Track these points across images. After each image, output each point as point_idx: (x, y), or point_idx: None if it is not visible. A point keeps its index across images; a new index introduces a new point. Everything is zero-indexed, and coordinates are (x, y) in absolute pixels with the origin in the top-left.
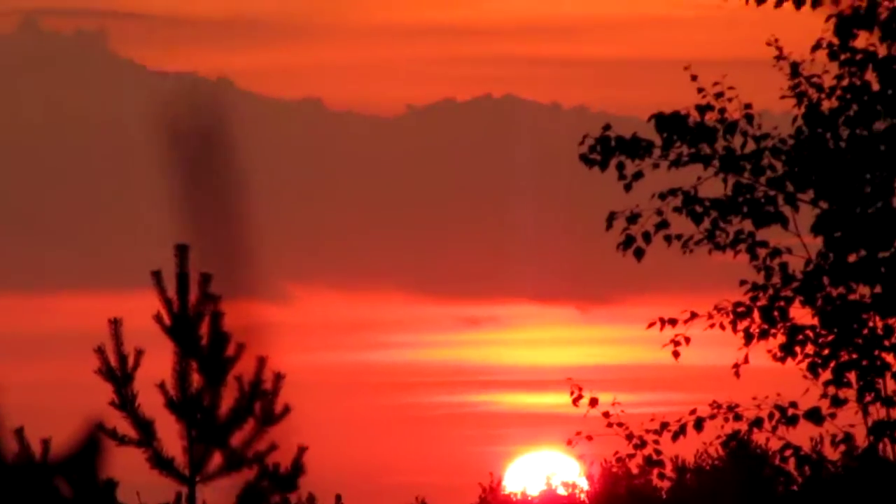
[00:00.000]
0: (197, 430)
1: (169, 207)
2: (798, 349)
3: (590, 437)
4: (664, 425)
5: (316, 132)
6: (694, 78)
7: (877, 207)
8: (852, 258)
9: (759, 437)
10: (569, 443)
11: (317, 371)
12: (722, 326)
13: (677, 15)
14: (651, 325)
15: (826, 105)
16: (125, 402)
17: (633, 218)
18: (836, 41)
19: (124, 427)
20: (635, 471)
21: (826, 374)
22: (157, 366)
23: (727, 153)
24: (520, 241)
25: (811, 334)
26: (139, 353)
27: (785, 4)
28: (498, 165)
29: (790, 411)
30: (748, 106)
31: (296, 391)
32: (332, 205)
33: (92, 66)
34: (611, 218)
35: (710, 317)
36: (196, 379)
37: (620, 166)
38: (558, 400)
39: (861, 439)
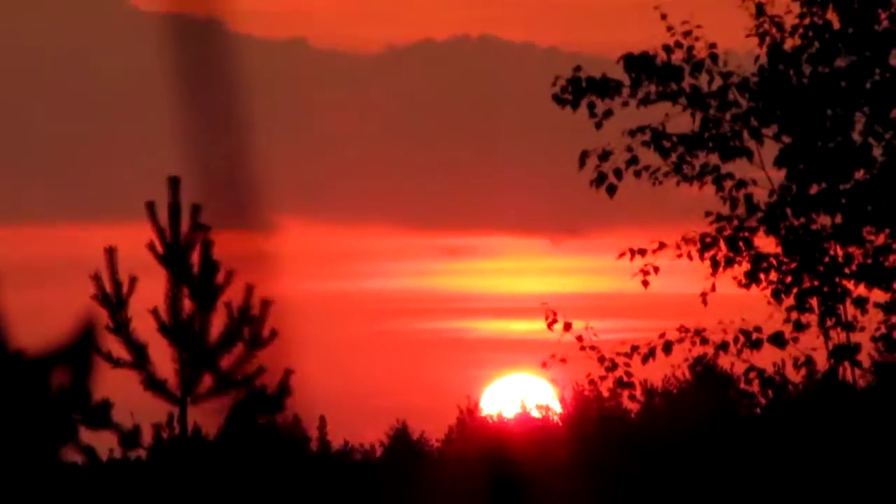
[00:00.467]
0: (188, 353)
1: (163, 141)
2: (762, 276)
3: (563, 360)
4: (634, 348)
5: (301, 70)
6: (664, 16)
7: (837, 141)
8: (814, 189)
9: (724, 361)
10: (543, 365)
11: (303, 299)
12: (689, 256)
13: None
14: (621, 255)
15: (789, 43)
16: (120, 326)
17: (604, 155)
18: None
19: (119, 350)
20: (606, 394)
21: (789, 300)
22: (151, 293)
23: (694, 90)
24: (497, 176)
25: (775, 262)
26: (133, 281)
27: None
28: (475, 104)
29: (754, 335)
30: (713, 45)
31: (283, 317)
32: (316, 141)
33: (86, 4)
34: (583, 156)
35: (678, 247)
36: (187, 305)
37: (591, 105)
38: (533, 326)
39: (822, 363)
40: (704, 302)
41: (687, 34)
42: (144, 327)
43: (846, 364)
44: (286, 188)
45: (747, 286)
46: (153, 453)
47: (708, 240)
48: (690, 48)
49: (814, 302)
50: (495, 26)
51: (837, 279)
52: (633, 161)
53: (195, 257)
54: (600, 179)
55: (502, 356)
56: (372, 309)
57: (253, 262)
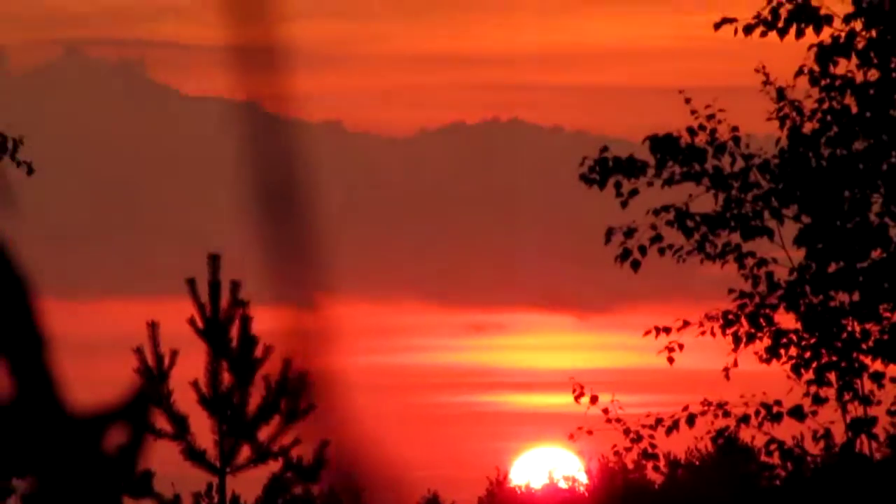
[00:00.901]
0: (227, 424)
1: (203, 221)
2: (782, 352)
3: (590, 432)
4: (659, 421)
5: (336, 151)
6: (688, 101)
7: (855, 221)
8: (832, 268)
9: (745, 434)
10: (570, 437)
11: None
12: (713, 333)
13: (672, 45)
14: (647, 332)
15: (808, 127)
16: (161, 398)
17: (629, 232)
18: (817, 68)
19: (160, 422)
20: (631, 465)
21: (808, 375)
22: (191, 366)
23: (716, 171)
24: (524, 254)
25: (794, 338)
26: (174, 354)
27: (770, 34)
28: (504, 184)
29: (775, 409)
30: (736, 128)
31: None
32: (351, 219)
33: (131, 91)
34: (609, 233)
35: (702, 324)
36: (227, 378)
37: (618, 185)
38: (560, 400)
39: (840, 435)
40: (727, 376)
41: (710, 117)
42: (185, 399)
43: (863, 437)
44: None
45: (768, 361)
46: None
47: (731, 316)
48: (713, 131)
49: (832, 376)
50: (524, 111)
51: (855, 354)
52: (658, 238)
53: (234, 332)
54: (625, 255)
55: (530, 429)
56: (404, 383)
57: (294, 338)
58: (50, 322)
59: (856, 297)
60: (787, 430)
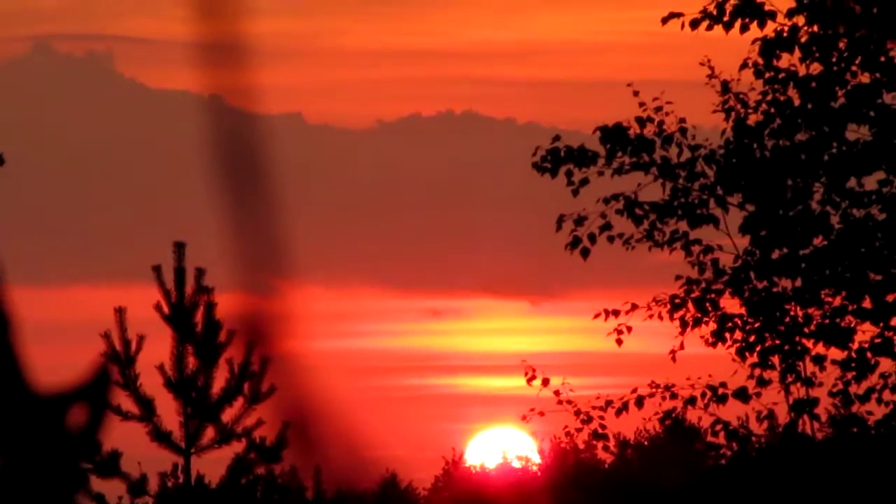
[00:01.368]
0: (192, 407)
1: (168, 209)
2: (728, 335)
3: (542, 413)
4: (608, 402)
5: (296, 143)
6: (636, 93)
7: (797, 210)
8: (776, 255)
9: (692, 415)
10: (523, 418)
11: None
12: (660, 317)
13: (620, 40)
14: (596, 316)
15: (752, 119)
16: (128, 382)
17: (579, 220)
18: (760, 61)
19: (128, 404)
20: (582, 445)
21: (752, 358)
22: (157, 350)
23: (664, 162)
24: (479, 241)
25: (739, 322)
26: (141, 339)
27: (715, 29)
28: (459, 174)
29: (720, 390)
30: (683, 120)
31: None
32: (309, 209)
33: (99, 84)
34: (560, 220)
35: (650, 308)
36: (192, 362)
37: (569, 174)
38: (513, 383)
39: (783, 416)
40: (674, 359)
41: (658, 109)
42: (151, 383)
43: (805, 417)
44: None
45: (714, 345)
46: (159, 501)
47: (677, 301)
48: (661, 122)
49: (775, 359)
50: (478, 103)
51: (797, 338)
52: (607, 227)
53: (199, 317)
54: (575, 243)
55: (485, 410)
56: (362, 366)
57: (271, 322)
58: (20, 308)
59: (798, 282)
60: (732, 412)
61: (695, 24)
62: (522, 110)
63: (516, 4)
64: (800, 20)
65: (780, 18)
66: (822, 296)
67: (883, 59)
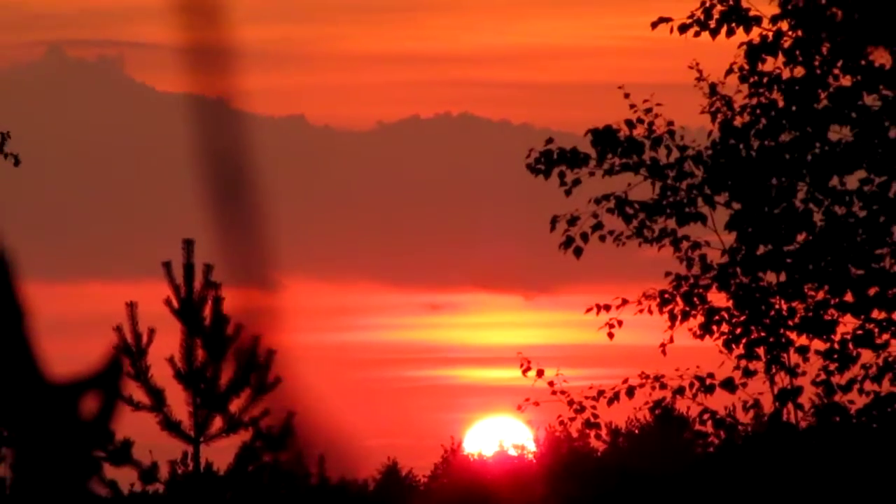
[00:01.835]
0: (201, 397)
1: (178, 207)
2: (715, 328)
3: (536, 403)
4: (600, 392)
5: (299, 143)
6: (627, 96)
7: (782, 207)
8: (761, 251)
9: (681, 405)
10: (518, 408)
11: (303, 349)
12: (650, 311)
13: (612, 44)
14: (588, 310)
15: (738, 120)
16: (140, 373)
17: (572, 221)
18: (746, 65)
19: (139, 395)
20: (575, 434)
21: (739, 350)
22: (167, 343)
23: (653, 162)
24: (475, 238)
25: (726, 315)
26: (151, 332)
27: (703, 34)
28: (456, 174)
29: (708, 381)
30: (671, 122)
31: (286, 366)
32: (313, 207)
33: (110, 88)
34: (554, 221)
35: (640, 303)
36: (200, 354)
37: (562, 175)
38: (509, 374)
39: (768, 405)
40: (663, 352)
41: (647, 111)
42: (161, 374)
43: (790, 406)
44: (287, 250)
45: (701, 337)
46: (170, 487)
47: (666, 296)
48: (651, 124)
49: (761, 351)
50: (474, 105)
51: (782, 330)
52: (599, 226)
53: (207, 311)
54: (568, 242)
55: (482, 401)
56: (363, 359)
57: (260, 317)
58: (36, 302)
59: (783, 277)
60: (719, 401)
61: (683, 28)
62: (517, 112)
63: (512, 11)
64: (784, 25)
65: (765, 24)
66: (806, 290)
67: (863, 62)
